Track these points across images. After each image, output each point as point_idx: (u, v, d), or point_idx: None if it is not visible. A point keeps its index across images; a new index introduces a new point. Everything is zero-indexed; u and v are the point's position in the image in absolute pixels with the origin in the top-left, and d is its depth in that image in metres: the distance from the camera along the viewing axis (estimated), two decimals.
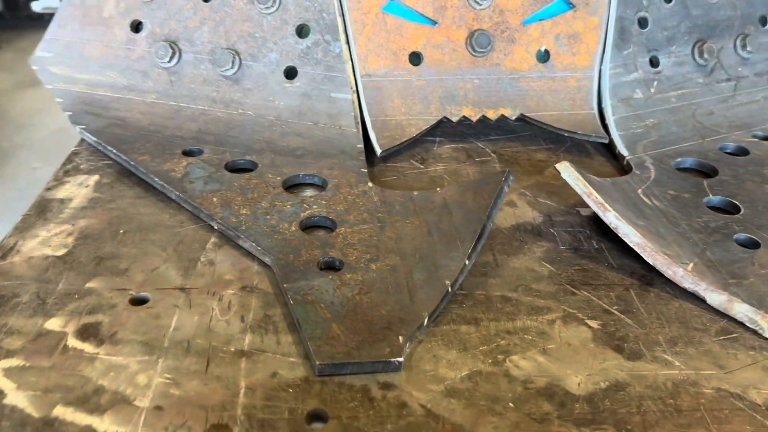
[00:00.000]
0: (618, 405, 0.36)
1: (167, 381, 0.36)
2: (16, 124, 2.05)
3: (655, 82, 0.65)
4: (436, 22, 0.62)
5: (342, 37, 0.61)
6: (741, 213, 0.51)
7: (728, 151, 0.61)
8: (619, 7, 0.63)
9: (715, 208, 0.52)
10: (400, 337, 0.38)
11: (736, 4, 0.68)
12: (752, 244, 0.47)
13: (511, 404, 0.36)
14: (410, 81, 0.62)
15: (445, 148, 0.63)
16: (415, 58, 0.63)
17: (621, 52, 0.64)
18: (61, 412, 0.34)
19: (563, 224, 0.52)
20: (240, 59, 0.62)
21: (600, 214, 0.46)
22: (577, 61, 0.64)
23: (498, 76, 0.63)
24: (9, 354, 0.38)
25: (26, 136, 1.96)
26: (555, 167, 0.47)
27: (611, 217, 0.46)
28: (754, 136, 0.63)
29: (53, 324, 0.40)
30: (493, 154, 0.62)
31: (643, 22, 0.65)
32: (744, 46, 0.69)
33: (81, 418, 0.34)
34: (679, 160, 0.58)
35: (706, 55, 0.67)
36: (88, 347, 0.38)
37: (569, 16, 0.63)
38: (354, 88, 0.61)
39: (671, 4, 0.65)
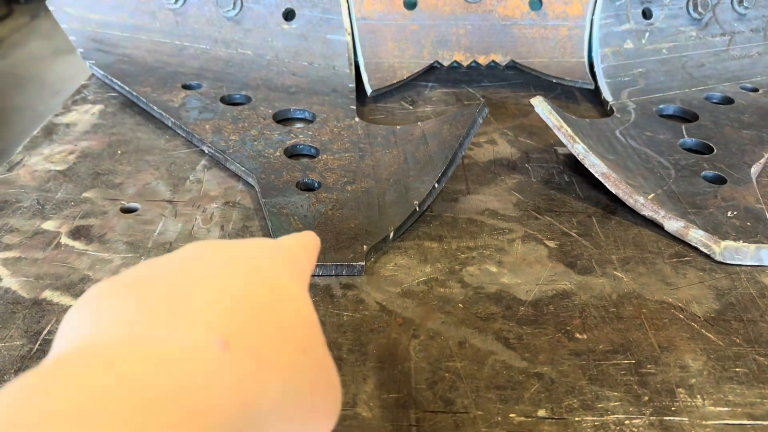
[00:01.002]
0: (561, 310, 0.38)
1: None
2: (53, 90, 2.12)
3: (647, 34, 0.66)
4: None
5: None
6: (713, 153, 0.52)
7: (714, 100, 0.62)
8: None
9: (689, 149, 0.53)
10: (365, 246, 0.41)
11: None
12: (718, 180, 0.49)
13: (460, 305, 0.38)
14: (404, 25, 0.64)
15: (436, 92, 0.65)
16: (410, 3, 0.64)
17: (613, 2, 0.65)
18: (49, 294, 0.38)
19: (539, 160, 0.53)
20: (242, 1, 0.65)
21: (569, 145, 0.48)
22: (569, 10, 0.65)
23: (491, 22, 0.65)
24: (7, 248, 0.41)
25: (61, 101, 2.03)
26: (529, 101, 0.49)
27: (579, 148, 0.48)
28: (742, 88, 0.64)
29: (49, 225, 0.44)
30: (482, 99, 0.64)
31: None
32: (741, 2, 0.69)
33: (66, 300, 0.38)
34: (662, 106, 0.59)
35: (700, 9, 0.67)
36: (78, 245, 0.42)
37: None
38: (349, 30, 0.64)
39: None
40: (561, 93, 0.65)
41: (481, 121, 0.50)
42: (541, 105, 0.49)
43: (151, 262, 0.23)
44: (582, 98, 0.64)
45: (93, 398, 0.16)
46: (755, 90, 0.63)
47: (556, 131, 0.48)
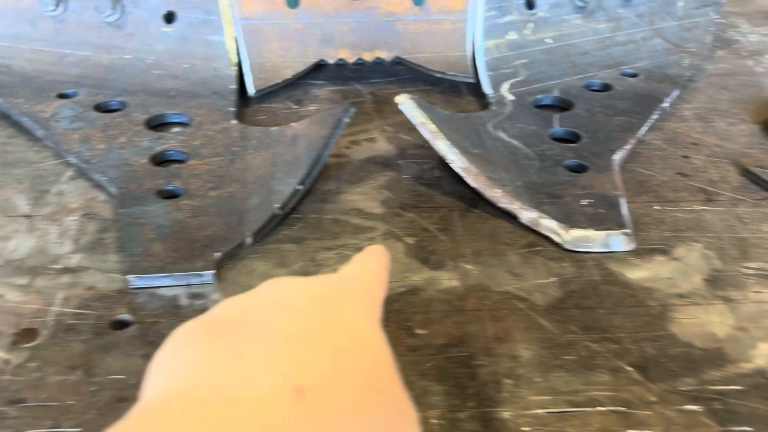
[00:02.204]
0: (406, 306, 0.39)
1: None
2: None
3: (531, 24, 0.67)
4: None
5: None
6: (581, 141, 0.53)
7: (594, 88, 0.63)
8: None
9: (559, 139, 0.54)
10: (217, 253, 0.41)
11: None
12: (580, 169, 0.50)
13: None
14: (288, 24, 0.64)
15: (324, 90, 0.65)
16: (293, 2, 0.64)
17: None
18: None
19: (413, 157, 0.54)
20: (122, 6, 0.64)
21: (431, 142, 0.49)
22: (451, 4, 0.65)
23: (375, 19, 0.65)
24: None
25: None
26: (394, 99, 0.50)
27: (440, 144, 0.48)
28: (623, 74, 0.65)
29: None
30: (369, 96, 0.64)
31: None
32: None
33: None
34: (540, 96, 0.60)
35: None
36: None
37: None
38: (231, 31, 0.63)
39: None
40: (447, 88, 0.66)
41: (347, 121, 0.50)
42: (405, 102, 0.49)
43: (232, 302, 0.25)
44: (466, 92, 0.65)
45: None
46: (635, 75, 0.65)
47: (419, 128, 0.49)
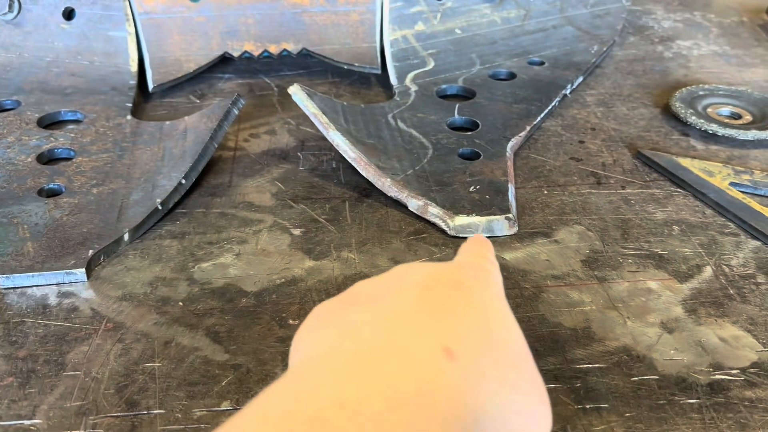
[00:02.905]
0: (283, 298, 0.38)
1: None
2: None
3: (439, 14, 0.67)
4: None
5: None
6: (478, 129, 0.54)
7: (500, 77, 0.64)
8: None
9: (458, 128, 0.55)
10: (90, 251, 0.40)
11: None
12: (473, 156, 0.50)
13: (180, 303, 0.38)
14: (190, 17, 0.63)
15: (230, 84, 0.64)
16: None
17: None
18: None
19: (312, 149, 0.54)
20: (20, 3, 0.62)
21: (324, 132, 0.48)
22: None
23: (280, 10, 0.64)
24: None
25: None
26: (288, 90, 0.49)
27: (333, 135, 0.48)
28: (530, 63, 0.66)
29: None
30: (276, 88, 0.63)
31: None
32: None
33: None
34: (444, 86, 0.61)
35: None
36: None
37: None
38: (132, 26, 0.62)
39: None
40: (357, 79, 0.65)
41: (236, 112, 0.49)
42: (297, 93, 0.49)
43: (365, 282, 0.26)
44: (376, 83, 0.65)
45: (347, 395, 0.18)
46: (541, 64, 0.66)
47: (312, 119, 0.49)
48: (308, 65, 0.68)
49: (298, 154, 0.53)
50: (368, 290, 0.25)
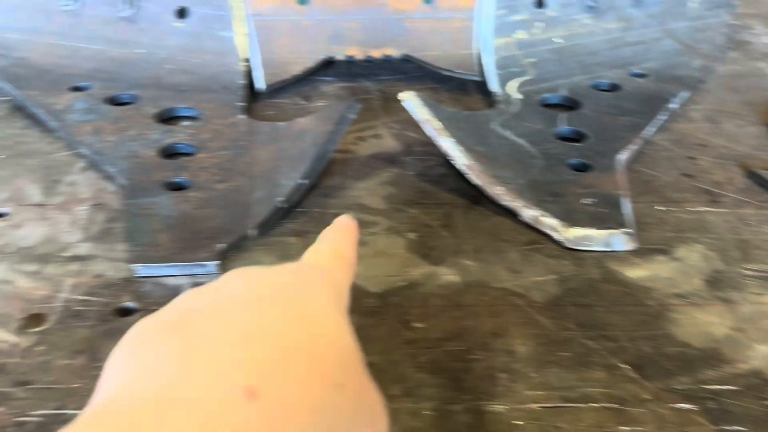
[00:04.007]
0: (404, 300, 0.39)
1: (1, 280, 0.40)
2: None
3: (540, 23, 0.67)
4: None
5: None
6: (586, 141, 0.53)
7: (602, 88, 0.63)
8: None
9: (564, 138, 0.55)
10: (221, 245, 0.42)
11: None
12: (583, 168, 0.50)
13: None
14: (298, 20, 0.65)
15: (332, 87, 0.65)
16: None
17: None
18: None
19: (419, 153, 0.54)
20: (135, 1, 0.65)
21: (435, 139, 0.49)
22: (460, 2, 0.66)
23: (384, 16, 0.66)
24: None
25: None
26: (398, 96, 0.50)
27: (444, 142, 0.48)
28: (632, 74, 0.65)
29: None
30: (377, 92, 0.65)
31: None
32: None
33: None
34: (547, 95, 0.61)
35: None
36: None
37: None
38: (242, 27, 0.64)
39: None
40: (455, 86, 0.66)
41: (352, 117, 0.50)
42: (410, 99, 0.50)
43: (192, 294, 0.24)
44: (474, 90, 0.65)
45: None
46: (644, 76, 0.65)
47: (423, 125, 0.49)
48: (406, 70, 0.69)
49: (405, 158, 0.54)
50: (192, 308, 0.23)
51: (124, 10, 0.65)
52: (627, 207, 0.46)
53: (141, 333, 0.22)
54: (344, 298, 0.27)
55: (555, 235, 0.44)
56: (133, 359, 0.21)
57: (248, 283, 0.24)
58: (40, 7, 0.65)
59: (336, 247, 0.29)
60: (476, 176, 0.48)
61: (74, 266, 0.41)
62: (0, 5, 0.66)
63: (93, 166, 0.51)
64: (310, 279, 0.25)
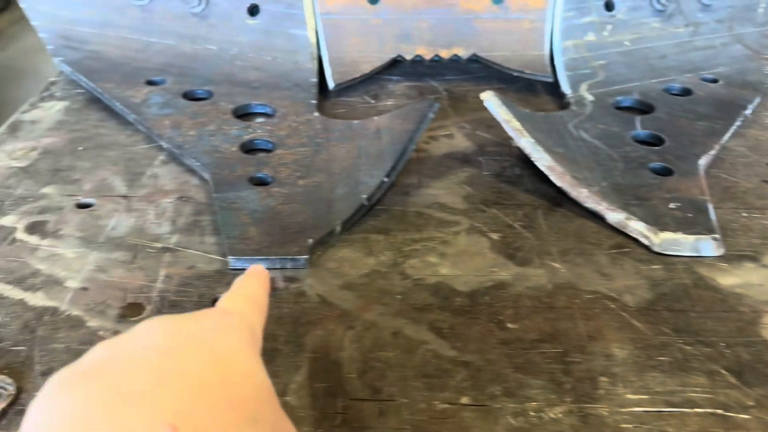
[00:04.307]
0: (496, 300, 0.39)
1: (96, 268, 0.41)
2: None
3: (609, 26, 0.67)
4: None
5: None
6: (664, 145, 0.53)
7: (673, 92, 0.62)
8: None
9: (642, 141, 0.54)
10: (310, 240, 0.42)
11: None
12: (665, 172, 0.50)
13: (398, 296, 0.39)
14: (367, 19, 0.65)
15: (399, 86, 0.66)
16: None
17: None
18: (0, 288, 0.39)
19: (492, 154, 0.54)
20: None
21: (516, 139, 0.49)
22: (531, 3, 0.66)
23: (453, 16, 0.66)
24: None
25: None
26: (479, 96, 0.50)
27: (525, 142, 0.48)
28: (703, 79, 0.64)
29: (6, 221, 0.45)
30: (444, 92, 0.65)
31: None
32: None
33: (16, 293, 0.39)
34: (619, 98, 0.60)
35: (664, 0, 0.68)
36: (33, 240, 0.43)
37: None
38: (312, 25, 0.64)
39: None
40: (523, 86, 0.66)
41: (432, 116, 0.51)
42: (491, 99, 0.50)
43: (107, 344, 0.24)
44: (543, 91, 0.65)
45: None
46: (715, 81, 0.64)
47: (504, 125, 0.49)
48: (472, 70, 0.69)
49: (479, 158, 0.54)
50: (108, 356, 0.23)
51: (195, 5, 0.65)
52: (712, 213, 0.45)
53: (60, 382, 0.22)
54: (258, 338, 0.28)
55: (642, 240, 0.44)
56: (54, 409, 0.21)
57: (163, 329, 0.25)
58: (111, 2, 0.66)
59: (249, 292, 0.30)
60: (558, 177, 0.47)
61: (166, 257, 0.42)
62: (73, 0, 0.67)
63: (173, 159, 0.52)
64: (225, 322, 0.26)
